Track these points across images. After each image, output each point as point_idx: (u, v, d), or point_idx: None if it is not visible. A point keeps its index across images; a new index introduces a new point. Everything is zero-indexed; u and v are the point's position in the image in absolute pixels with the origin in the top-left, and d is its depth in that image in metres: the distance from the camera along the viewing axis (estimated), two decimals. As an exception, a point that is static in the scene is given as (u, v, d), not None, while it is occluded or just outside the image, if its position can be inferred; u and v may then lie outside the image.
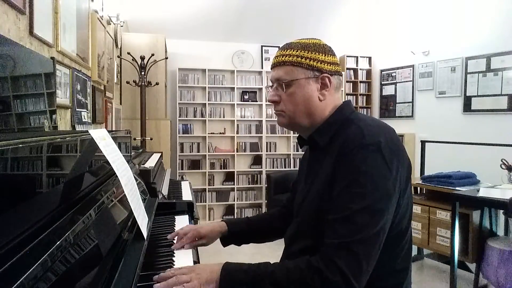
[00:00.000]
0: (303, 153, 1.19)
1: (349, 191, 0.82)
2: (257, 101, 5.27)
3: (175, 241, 1.13)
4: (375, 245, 0.81)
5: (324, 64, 0.95)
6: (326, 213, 0.86)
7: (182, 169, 5.03)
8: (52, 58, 1.72)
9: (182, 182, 2.71)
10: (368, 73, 5.71)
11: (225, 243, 1.22)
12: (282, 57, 0.97)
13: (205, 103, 5.06)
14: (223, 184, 5.18)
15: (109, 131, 1.07)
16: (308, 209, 0.95)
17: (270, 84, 1.03)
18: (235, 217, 5.13)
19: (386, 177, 0.82)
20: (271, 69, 1.02)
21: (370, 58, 5.70)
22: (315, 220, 0.91)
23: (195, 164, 5.09)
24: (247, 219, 1.25)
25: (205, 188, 5.08)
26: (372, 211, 0.80)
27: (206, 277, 0.83)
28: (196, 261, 1.07)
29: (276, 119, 1.05)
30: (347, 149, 0.85)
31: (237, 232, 1.20)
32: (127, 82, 3.67)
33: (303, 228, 0.98)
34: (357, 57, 5.66)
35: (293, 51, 0.96)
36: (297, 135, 1.07)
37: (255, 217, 1.26)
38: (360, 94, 5.68)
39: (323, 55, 0.96)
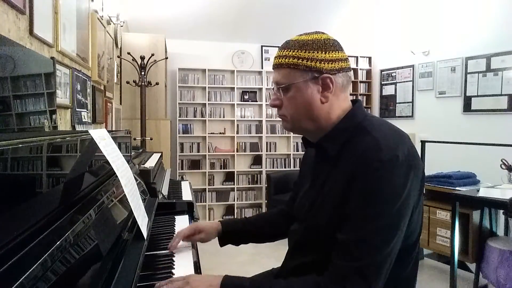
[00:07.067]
0: (304, 151, 1.15)
1: (363, 211, 0.79)
2: (257, 101, 5.27)
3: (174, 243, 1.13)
4: (386, 266, 0.79)
5: (323, 63, 0.87)
6: (335, 228, 0.83)
7: (182, 169, 5.03)
8: (52, 58, 1.72)
9: (182, 182, 2.71)
10: (368, 73, 5.71)
11: (221, 242, 1.21)
12: (279, 58, 0.91)
13: (205, 103, 5.06)
14: (223, 184, 5.18)
15: (109, 131, 1.07)
16: (319, 220, 0.89)
17: (272, 86, 0.97)
18: (236, 217, 5.13)
19: (401, 195, 0.79)
20: (272, 69, 0.96)
21: (370, 58, 5.69)
22: (326, 232, 0.87)
23: (195, 164, 5.09)
24: (245, 219, 1.24)
25: (205, 188, 5.08)
26: (386, 232, 0.78)
27: None
28: (197, 261, 1.07)
29: (280, 121, 1.00)
30: (363, 165, 0.80)
31: (231, 232, 1.19)
32: (127, 82, 3.66)
33: (311, 238, 0.93)
34: (357, 57, 5.65)
35: (290, 51, 0.89)
36: (299, 135, 1.03)
37: (253, 217, 1.26)
38: (360, 94, 5.68)
39: (323, 52, 0.87)
